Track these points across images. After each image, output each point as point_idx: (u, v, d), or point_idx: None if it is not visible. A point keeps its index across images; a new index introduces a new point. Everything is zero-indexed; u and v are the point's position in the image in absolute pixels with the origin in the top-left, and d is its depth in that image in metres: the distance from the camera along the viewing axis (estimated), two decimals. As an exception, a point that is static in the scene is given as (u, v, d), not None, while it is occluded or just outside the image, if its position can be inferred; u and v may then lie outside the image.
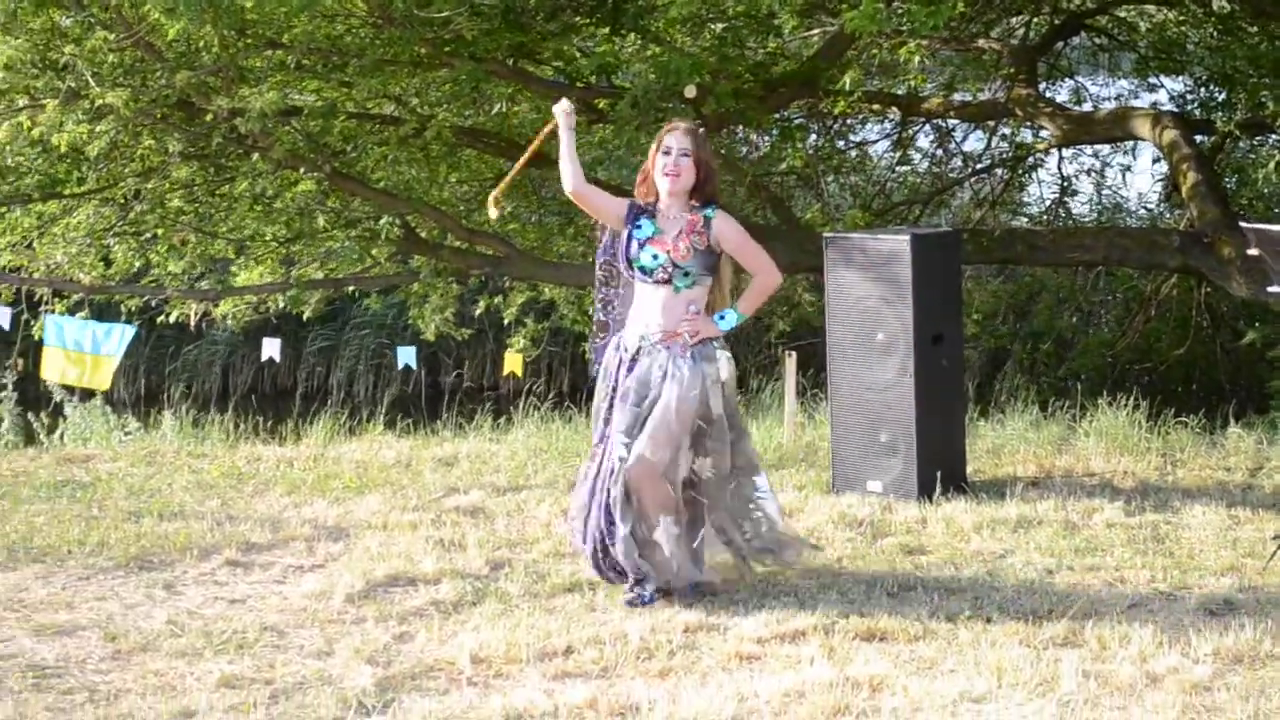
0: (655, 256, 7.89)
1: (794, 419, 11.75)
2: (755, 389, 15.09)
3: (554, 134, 8.24)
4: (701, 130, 8.23)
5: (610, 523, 7.93)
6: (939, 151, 17.67)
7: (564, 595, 8.13)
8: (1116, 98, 17.95)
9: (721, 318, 8.01)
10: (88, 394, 15.14)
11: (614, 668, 7.03)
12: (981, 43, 15.42)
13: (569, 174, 8.09)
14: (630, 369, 7.95)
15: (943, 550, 8.76)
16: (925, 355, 9.83)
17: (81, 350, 11.94)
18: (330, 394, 21.61)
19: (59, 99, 11.72)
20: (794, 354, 11.85)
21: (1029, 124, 15.94)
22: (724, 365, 8.00)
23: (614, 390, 8.02)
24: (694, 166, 7.92)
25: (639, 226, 7.98)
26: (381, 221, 13.74)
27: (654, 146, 8.03)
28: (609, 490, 7.92)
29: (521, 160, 8.58)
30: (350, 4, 12.08)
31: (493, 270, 14.37)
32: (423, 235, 14.10)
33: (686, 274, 7.88)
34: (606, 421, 8.05)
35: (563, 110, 8.10)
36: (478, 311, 16.47)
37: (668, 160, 7.92)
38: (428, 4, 11.11)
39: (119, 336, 11.92)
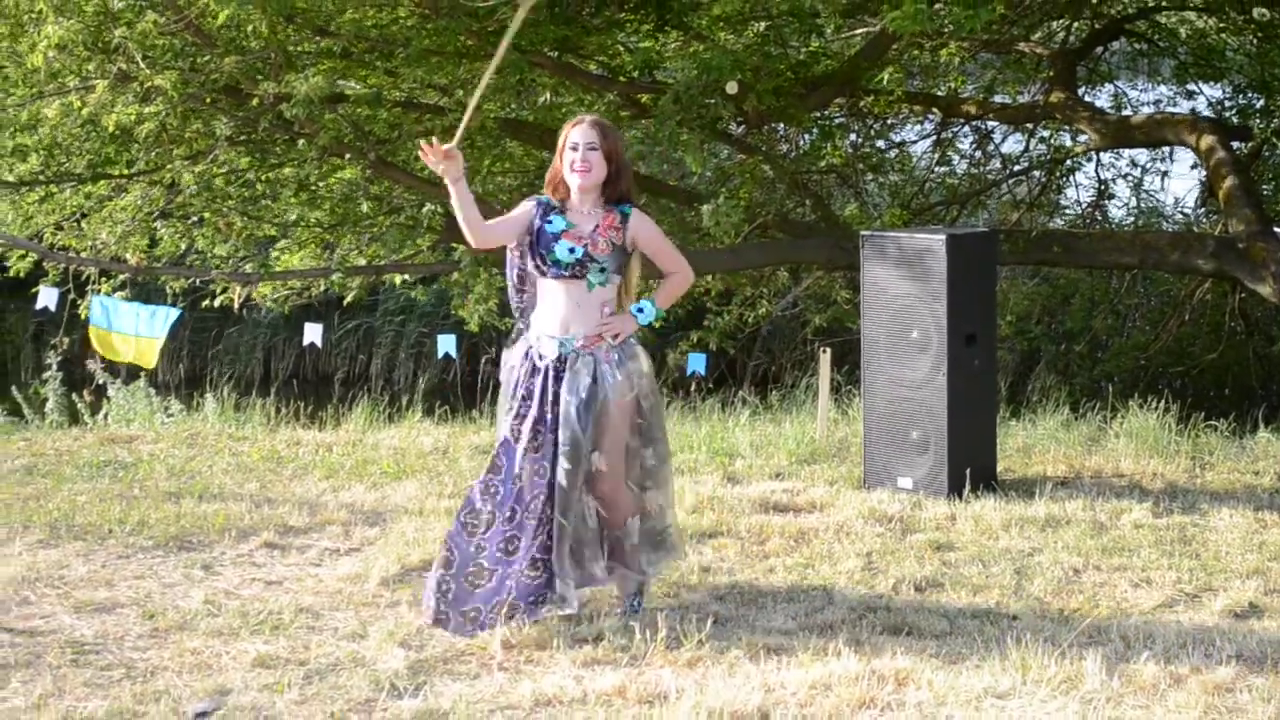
0: (571, 250, 7.42)
1: (827, 414, 11.73)
2: (790, 384, 15.09)
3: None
4: (610, 124, 7.66)
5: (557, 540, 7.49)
6: (977, 153, 17.64)
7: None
8: (1155, 103, 17.93)
9: (640, 310, 7.62)
10: (132, 375, 15.21)
11: (643, 656, 7.04)
12: (1022, 46, 15.40)
13: (468, 229, 7.47)
14: (556, 380, 7.46)
15: (971, 547, 8.74)
16: (959, 354, 9.82)
17: (125, 332, 11.99)
18: (370, 380, 21.68)
19: (109, 80, 11.80)
20: (828, 350, 11.82)
21: (1067, 127, 15.90)
22: (643, 357, 7.65)
23: (526, 402, 7.49)
24: (604, 160, 7.45)
25: (550, 221, 7.49)
26: (424, 210, 13.81)
27: (560, 142, 7.52)
28: (568, 512, 7.45)
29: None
30: (398, -7, 12.14)
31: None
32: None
33: (602, 269, 7.47)
34: (527, 438, 7.45)
35: (436, 158, 7.34)
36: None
37: (575, 156, 7.43)
38: (475, -5, 11.14)
39: (164, 318, 11.96)
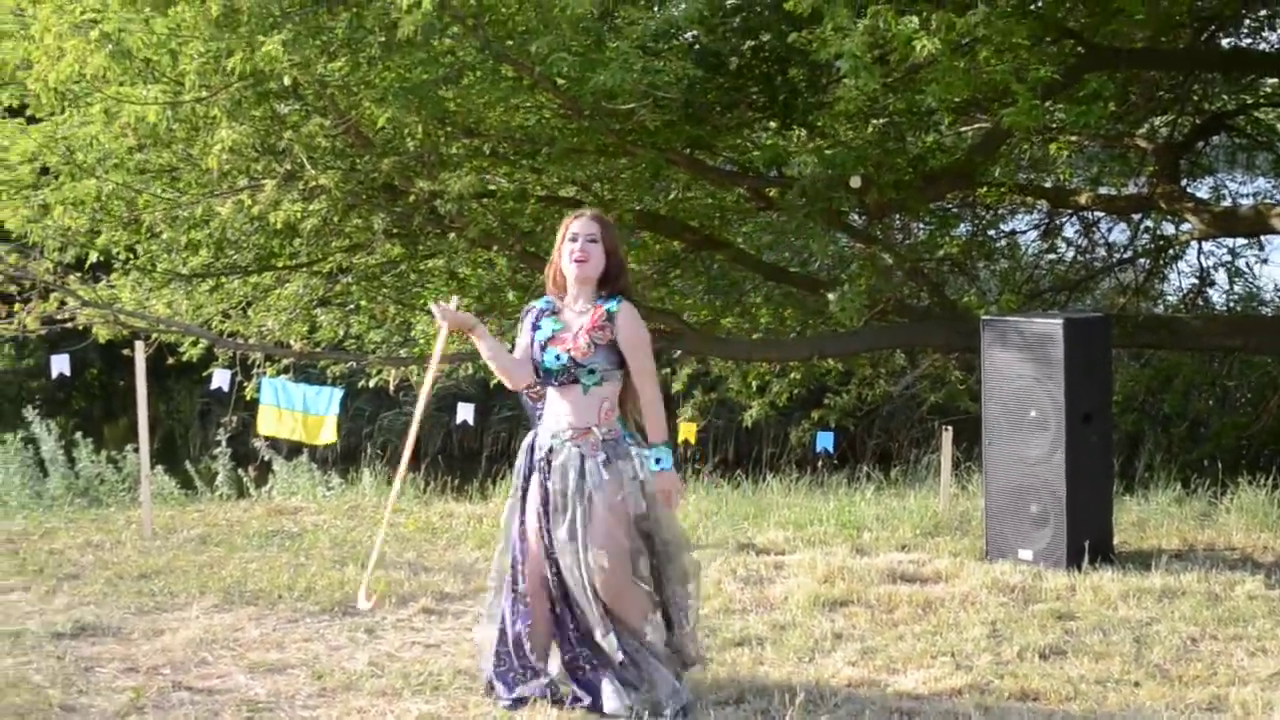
0: (557, 357, 7.08)
1: (949, 489, 11.65)
2: (910, 460, 14.99)
3: (454, 338, 7.79)
4: (609, 219, 7.33)
5: (574, 627, 7.22)
6: (1084, 241, 17.54)
7: (734, 649, 8.10)
8: (1254, 194, 17.74)
9: (657, 461, 7.10)
10: (294, 452, 15.33)
11: (782, 717, 6.98)
12: (1127, 140, 15.30)
13: (505, 374, 7.21)
14: (546, 472, 7.16)
15: (1091, 616, 8.62)
16: (1076, 432, 9.72)
17: (295, 409, 12.08)
18: (514, 457, 21.74)
19: (277, 180, 11.94)
20: (950, 429, 11.74)
21: (1170, 217, 15.77)
22: (639, 463, 7.12)
23: (524, 495, 7.26)
24: (603, 254, 7.11)
25: (538, 328, 7.19)
26: (566, 299, 13.83)
27: (560, 236, 7.19)
28: (582, 604, 7.14)
29: (427, 383, 7.87)
30: (542, 97, 12.19)
31: (667, 345, 14.38)
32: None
33: (592, 371, 7.07)
34: (527, 530, 7.25)
35: (443, 315, 7.21)
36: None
37: (574, 247, 7.09)
38: (614, 98, 11.17)
39: (328, 397, 12.05)
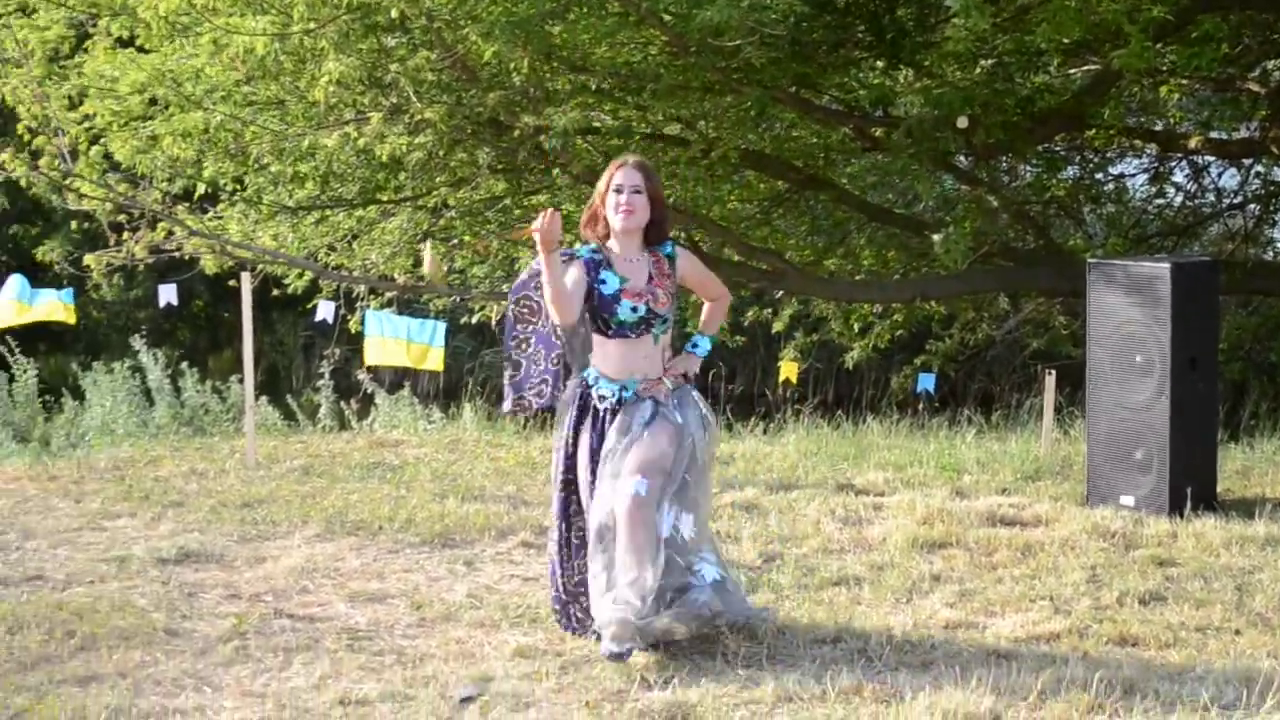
0: (634, 309, 6.97)
1: (1050, 434, 11.57)
2: (1012, 405, 14.90)
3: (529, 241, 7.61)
4: (650, 166, 7.14)
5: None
6: (1193, 186, 17.32)
7: (831, 588, 8.08)
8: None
9: (694, 345, 7.24)
10: (395, 385, 15.43)
11: (879, 657, 6.98)
12: (1239, 84, 15.08)
13: (560, 301, 6.87)
14: (607, 421, 7.00)
15: (1192, 564, 8.54)
16: (1182, 377, 9.61)
17: (400, 337, 12.13)
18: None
19: (383, 113, 11.98)
20: (1053, 373, 11.65)
21: (1282, 163, 15.57)
22: (705, 408, 7.13)
23: (577, 443, 7.07)
24: (648, 203, 6.99)
25: (603, 281, 6.99)
26: (668, 234, 13.83)
27: (602, 183, 7.05)
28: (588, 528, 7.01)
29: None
30: (648, 33, 12.17)
31: (769, 285, 14.37)
32: (704, 248, 14.13)
33: (665, 320, 7.06)
34: (584, 483, 7.04)
35: (540, 231, 6.80)
36: (745, 322, 16.51)
37: (620, 198, 6.95)
38: (720, 34, 11.12)
39: (432, 329, 12.10)
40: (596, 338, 7.08)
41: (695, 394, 7.18)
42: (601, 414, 7.03)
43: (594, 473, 6.98)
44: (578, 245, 7.22)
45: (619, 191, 6.98)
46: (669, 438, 6.96)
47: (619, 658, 6.76)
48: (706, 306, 7.44)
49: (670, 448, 6.95)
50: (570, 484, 7.13)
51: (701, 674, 6.77)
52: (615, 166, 7.05)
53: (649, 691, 6.57)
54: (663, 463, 6.91)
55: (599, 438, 7.00)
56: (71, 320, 12.58)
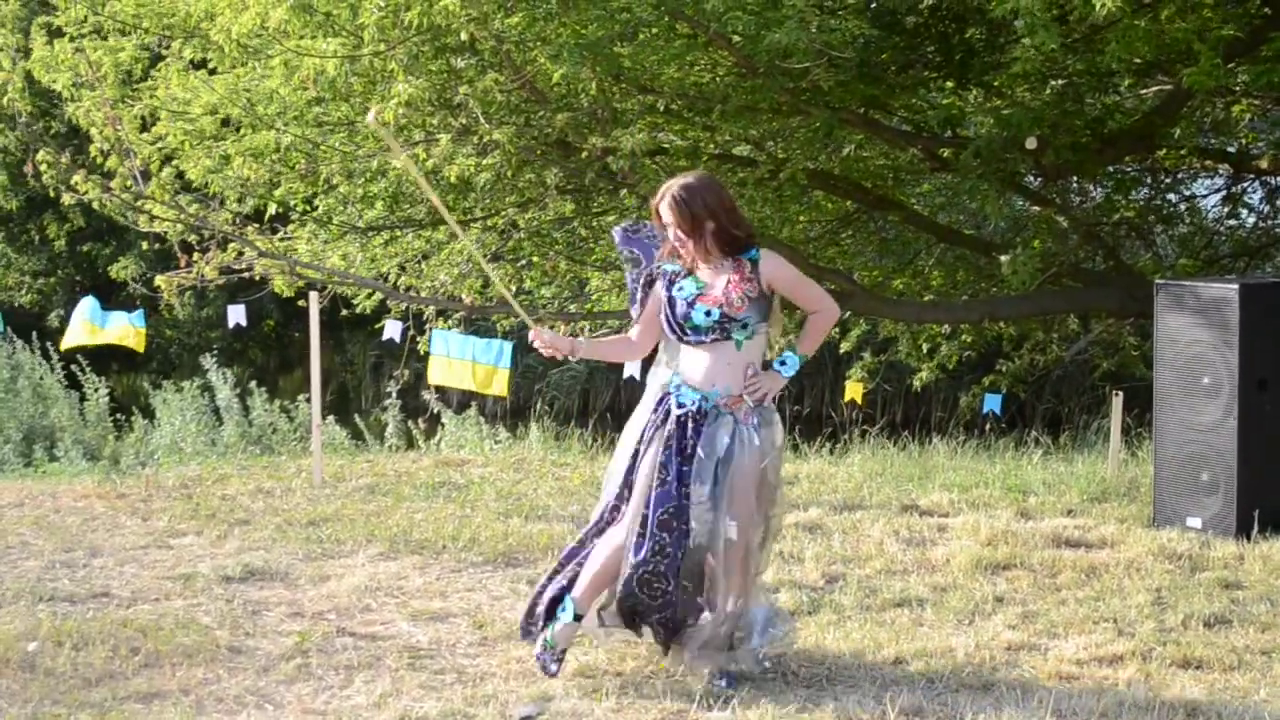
0: (708, 313, 6.88)
1: (1118, 455, 11.52)
2: (1079, 426, 14.84)
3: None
4: (681, 192, 6.90)
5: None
6: (1266, 207, 17.20)
7: (894, 609, 8.07)
8: None
9: (783, 363, 7.02)
10: (463, 405, 15.49)
11: (940, 679, 6.97)
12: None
13: (627, 358, 7.42)
14: (695, 430, 6.90)
15: (1259, 586, 8.48)
16: (1250, 399, 9.55)
17: (465, 359, 12.21)
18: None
19: (452, 134, 12.06)
20: (1121, 394, 11.61)
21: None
22: (779, 426, 7.06)
23: (651, 448, 6.96)
24: (689, 233, 6.88)
25: (680, 289, 6.98)
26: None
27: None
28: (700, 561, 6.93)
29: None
30: (716, 55, 12.20)
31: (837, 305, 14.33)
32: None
33: (744, 325, 6.90)
34: (640, 489, 6.96)
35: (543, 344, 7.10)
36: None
37: (671, 240, 6.99)
38: (788, 56, 11.14)
39: (498, 349, 12.16)
40: (678, 344, 7.05)
41: (776, 415, 7.08)
42: (681, 421, 6.94)
43: (653, 480, 6.91)
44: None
45: (667, 230, 7.00)
46: (749, 479, 6.92)
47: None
48: (808, 320, 7.22)
49: (752, 491, 6.94)
50: (628, 486, 7.05)
51: (762, 694, 6.78)
52: (655, 201, 7.03)
53: (709, 711, 6.59)
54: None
55: (668, 450, 6.91)
56: (140, 348, 12.64)
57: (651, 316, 7.14)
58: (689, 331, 6.96)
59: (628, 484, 7.04)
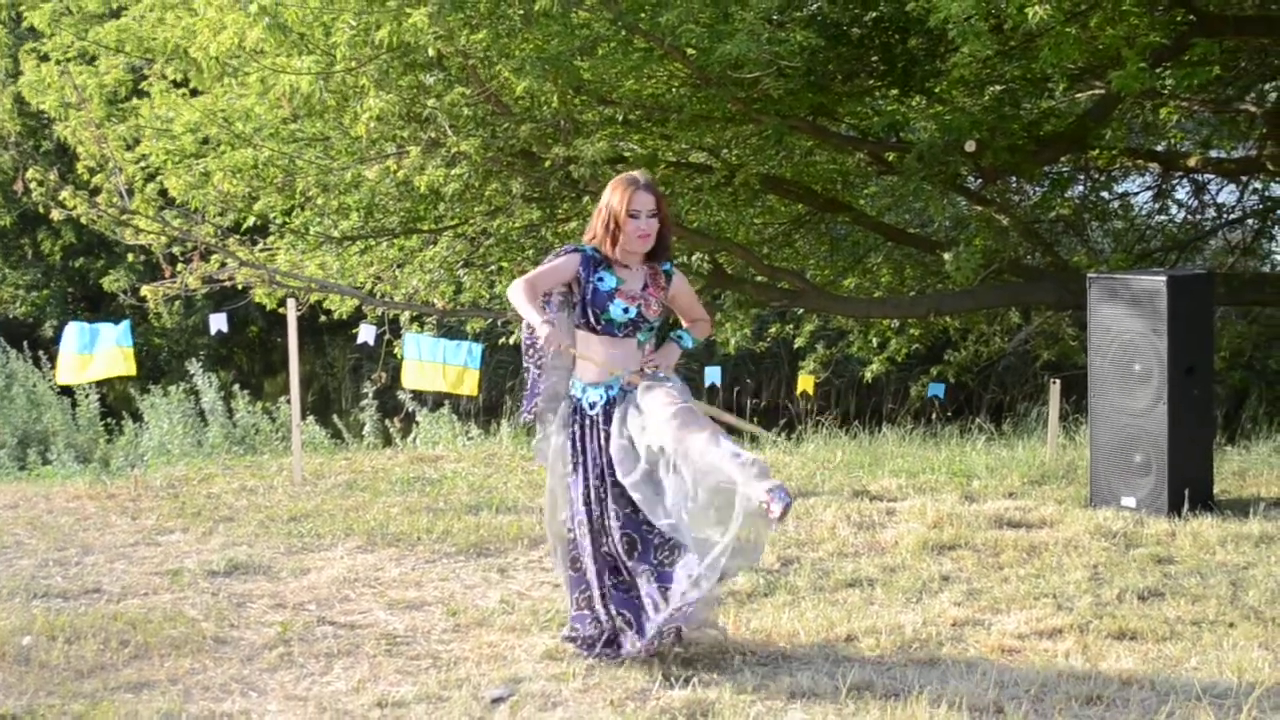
0: (625, 310, 6.87)
1: (1056, 440, 11.56)
2: (1021, 412, 14.88)
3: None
4: (658, 188, 7.00)
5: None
6: (1194, 202, 17.29)
7: (845, 590, 8.09)
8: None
9: (679, 337, 7.12)
10: (437, 404, 15.46)
11: (889, 654, 6.99)
12: (1236, 105, 15.05)
13: (531, 316, 6.70)
14: (606, 422, 6.86)
15: (1190, 561, 8.52)
16: (1179, 384, 9.60)
17: (436, 361, 12.21)
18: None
19: (421, 146, 12.06)
20: (1059, 382, 11.65)
21: (1278, 179, 15.50)
22: (680, 383, 6.93)
23: (582, 459, 6.92)
24: (660, 224, 6.90)
25: (601, 279, 6.90)
26: (693, 257, 13.89)
27: (619, 203, 6.84)
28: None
29: None
30: (671, 67, 12.21)
31: (790, 303, 14.37)
32: (729, 271, 14.16)
33: (651, 329, 6.97)
34: (594, 493, 6.90)
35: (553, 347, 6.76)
36: (769, 336, 16.58)
37: (638, 224, 6.83)
38: (740, 67, 11.17)
39: (467, 350, 12.16)
40: (582, 335, 6.95)
41: (677, 379, 6.96)
42: (596, 421, 6.90)
43: (602, 483, 6.87)
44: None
45: (636, 216, 6.85)
46: (667, 394, 6.79)
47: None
48: (698, 321, 7.28)
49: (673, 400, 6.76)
50: (590, 508, 6.94)
51: (720, 672, 6.79)
52: (631, 189, 6.87)
53: (670, 690, 6.59)
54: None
55: (599, 446, 6.87)
56: (132, 372, 12.46)
57: (556, 270, 6.90)
58: (602, 323, 6.90)
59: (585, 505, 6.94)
